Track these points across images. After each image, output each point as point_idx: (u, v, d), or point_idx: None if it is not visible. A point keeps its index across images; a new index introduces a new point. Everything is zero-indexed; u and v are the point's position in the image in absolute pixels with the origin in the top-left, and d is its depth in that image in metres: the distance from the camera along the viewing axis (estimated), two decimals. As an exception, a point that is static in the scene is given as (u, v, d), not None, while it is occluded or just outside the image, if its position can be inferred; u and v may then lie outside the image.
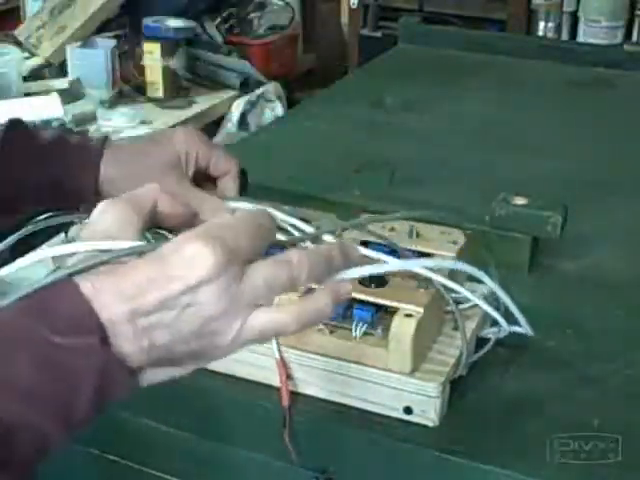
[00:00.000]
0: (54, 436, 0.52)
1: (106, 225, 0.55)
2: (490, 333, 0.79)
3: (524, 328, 0.79)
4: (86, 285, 0.51)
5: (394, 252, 0.78)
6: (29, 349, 0.50)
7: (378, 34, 2.66)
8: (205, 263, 0.52)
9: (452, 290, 0.75)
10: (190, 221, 0.59)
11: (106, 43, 2.47)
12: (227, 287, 0.52)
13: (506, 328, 0.78)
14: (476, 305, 0.77)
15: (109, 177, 0.91)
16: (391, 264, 0.68)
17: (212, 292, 0.52)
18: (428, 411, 0.71)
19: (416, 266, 0.71)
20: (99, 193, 0.91)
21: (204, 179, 0.94)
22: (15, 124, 0.92)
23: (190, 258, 0.52)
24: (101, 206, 0.57)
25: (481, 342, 0.79)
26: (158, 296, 0.51)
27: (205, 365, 0.57)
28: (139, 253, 0.54)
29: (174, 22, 2.51)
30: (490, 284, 0.75)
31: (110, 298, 0.51)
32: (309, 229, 0.72)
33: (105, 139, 0.93)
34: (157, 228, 0.59)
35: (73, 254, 0.54)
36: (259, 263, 0.54)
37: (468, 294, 0.75)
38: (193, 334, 0.53)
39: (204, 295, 0.52)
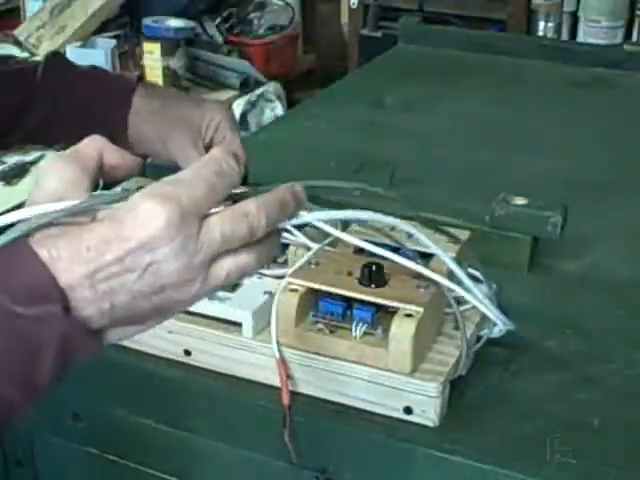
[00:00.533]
0: (19, 403, 0.52)
1: (52, 187, 0.54)
2: (486, 332, 0.79)
3: (501, 322, 0.77)
4: (42, 252, 0.50)
5: (396, 250, 0.78)
6: None
7: (378, 34, 2.65)
8: (158, 223, 0.51)
9: (451, 290, 0.75)
10: (138, 172, 0.59)
11: (106, 43, 2.47)
12: (184, 245, 0.52)
13: (502, 327, 0.77)
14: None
15: (138, 112, 0.93)
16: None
17: (169, 251, 0.52)
18: (428, 411, 0.71)
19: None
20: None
21: None
22: (55, 55, 1.00)
23: (144, 218, 0.51)
24: (45, 167, 0.55)
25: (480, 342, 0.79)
26: (114, 257, 0.51)
27: (170, 318, 0.57)
28: (90, 210, 0.53)
29: (174, 22, 2.51)
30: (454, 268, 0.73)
31: (67, 263, 0.51)
32: None
33: (140, 77, 0.97)
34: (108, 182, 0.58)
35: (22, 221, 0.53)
36: (217, 217, 0.53)
37: (464, 293, 0.75)
38: (154, 293, 0.53)
39: (161, 254, 0.51)
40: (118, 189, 0.57)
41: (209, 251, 0.53)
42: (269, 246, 0.57)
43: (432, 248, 0.71)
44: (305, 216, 0.59)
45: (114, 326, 0.54)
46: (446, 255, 0.71)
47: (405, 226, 0.67)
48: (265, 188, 0.57)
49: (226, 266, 0.54)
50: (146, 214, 0.51)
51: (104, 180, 0.57)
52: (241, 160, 0.58)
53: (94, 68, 1.02)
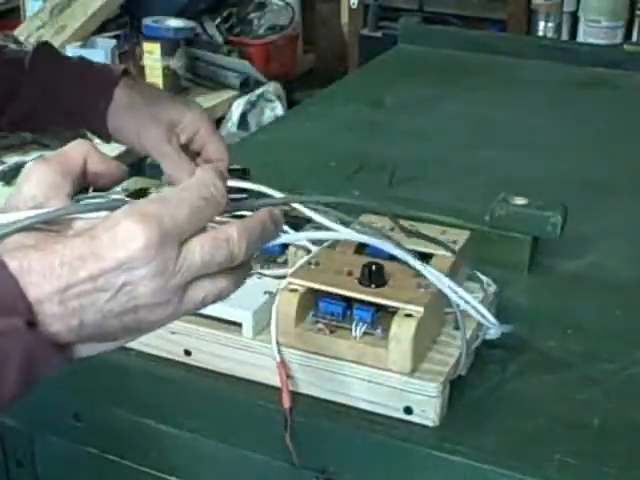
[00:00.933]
0: None
1: (32, 191, 0.53)
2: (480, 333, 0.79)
3: (493, 325, 0.77)
4: (13, 263, 0.49)
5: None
6: None
7: (378, 34, 2.65)
8: (136, 244, 0.50)
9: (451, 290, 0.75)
10: (123, 180, 0.58)
11: (106, 43, 2.47)
12: (161, 268, 0.50)
13: (498, 329, 0.77)
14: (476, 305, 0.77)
15: (118, 104, 0.94)
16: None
17: (146, 273, 0.50)
18: (428, 411, 0.71)
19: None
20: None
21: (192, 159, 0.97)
22: (44, 44, 1.01)
23: (122, 238, 0.50)
24: (26, 171, 0.54)
25: (481, 342, 0.79)
26: (87, 275, 0.50)
27: (140, 337, 0.56)
28: (65, 217, 0.52)
29: (174, 22, 2.51)
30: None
31: (38, 277, 0.49)
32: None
33: (125, 70, 0.98)
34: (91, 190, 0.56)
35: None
36: (197, 241, 0.52)
37: (465, 295, 0.75)
38: (126, 313, 0.51)
39: (137, 276, 0.50)
40: (117, 189, 0.56)
41: (187, 275, 0.52)
42: (246, 269, 0.56)
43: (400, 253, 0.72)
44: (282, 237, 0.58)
45: (83, 342, 0.53)
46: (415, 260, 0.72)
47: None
48: (263, 201, 0.57)
49: (203, 290, 0.53)
50: (125, 233, 0.50)
51: (93, 187, 0.56)
52: (225, 163, 0.56)
53: (82, 59, 1.02)
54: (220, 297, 0.55)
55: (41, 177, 0.53)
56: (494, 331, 0.76)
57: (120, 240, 0.50)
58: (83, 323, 0.51)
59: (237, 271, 0.55)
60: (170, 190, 0.53)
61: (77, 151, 0.56)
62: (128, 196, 0.54)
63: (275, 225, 0.56)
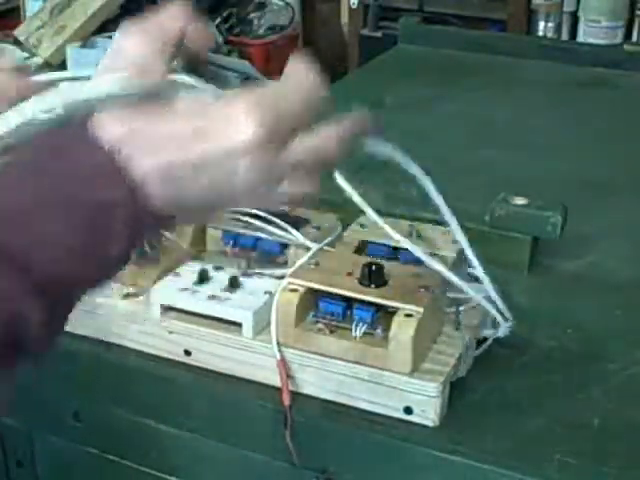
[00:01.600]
0: (94, 282, 0.51)
1: (132, 53, 0.51)
2: (489, 333, 0.79)
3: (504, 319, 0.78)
4: (117, 130, 0.48)
5: (394, 252, 0.78)
6: (67, 209, 0.48)
7: (378, 34, 2.65)
8: (246, 133, 0.48)
9: (454, 287, 0.75)
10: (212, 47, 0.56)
11: (106, 43, 2.47)
12: (264, 164, 0.50)
13: (506, 326, 0.77)
14: (476, 305, 0.77)
15: None
16: None
17: (247, 165, 0.49)
18: (428, 411, 0.71)
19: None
20: None
21: None
22: None
23: (237, 122, 0.49)
24: (122, 30, 0.52)
25: (481, 343, 0.79)
26: (195, 155, 0.49)
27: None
28: (169, 92, 0.50)
29: (174, 22, 2.51)
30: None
31: (145, 148, 0.48)
32: None
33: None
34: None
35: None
36: (303, 141, 0.51)
37: (467, 288, 0.75)
38: (225, 191, 0.51)
39: (239, 165, 0.49)
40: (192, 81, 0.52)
41: (287, 170, 0.51)
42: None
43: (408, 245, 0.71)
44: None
45: (180, 214, 0.52)
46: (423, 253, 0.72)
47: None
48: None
49: (296, 182, 0.52)
50: (240, 117, 0.49)
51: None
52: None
53: None
54: (304, 195, 0.54)
55: (142, 39, 0.51)
56: (504, 328, 0.77)
57: (234, 124, 0.49)
58: (182, 198, 0.50)
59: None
60: (281, 84, 0.52)
61: (175, 19, 0.52)
62: None
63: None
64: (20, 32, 2.58)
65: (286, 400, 0.73)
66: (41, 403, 0.84)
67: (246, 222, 0.84)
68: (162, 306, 0.78)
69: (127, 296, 0.81)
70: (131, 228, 0.49)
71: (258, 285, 0.79)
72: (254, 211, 0.83)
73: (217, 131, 0.49)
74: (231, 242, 0.85)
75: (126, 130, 0.48)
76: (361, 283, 0.73)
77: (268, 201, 0.54)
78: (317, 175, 0.54)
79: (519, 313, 0.79)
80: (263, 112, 0.49)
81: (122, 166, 0.48)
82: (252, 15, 2.79)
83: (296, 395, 0.74)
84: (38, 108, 0.49)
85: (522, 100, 1.52)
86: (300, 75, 0.53)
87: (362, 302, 0.73)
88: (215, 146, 0.49)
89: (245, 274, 0.80)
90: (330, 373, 0.73)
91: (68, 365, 0.80)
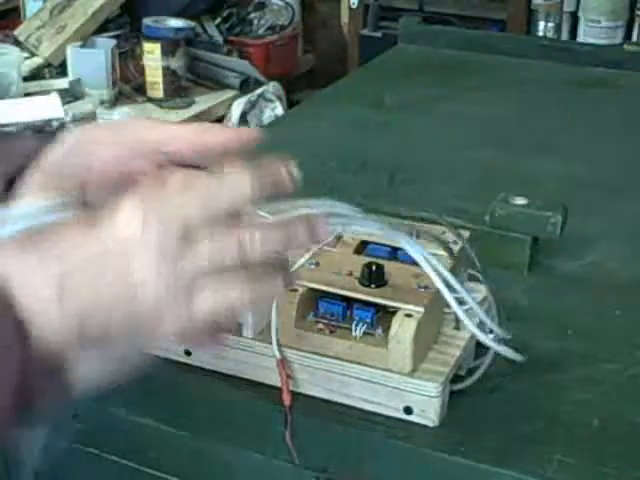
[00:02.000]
0: None
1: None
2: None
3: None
4: (7, 261, 0.46)
5: (394, 252, 0.78)
6: None
7: (378, 34, 2.66)
8: (135, 224, 0.47)
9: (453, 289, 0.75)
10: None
11: (106, 43, 2.47)
12: (164, 253, 0.47)
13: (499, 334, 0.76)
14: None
15: None
16: None
17: (147, 258, 0.47)
18: (428, 411, 0.71)
19: None
20: None
21: None
22: None
23: (122, 219, 0.47)
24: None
25: (481, 343, 0.79)
26: (85, 257, 0.47)
27: (142, 346, 0.52)
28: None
29: (174, 22, 2.51)
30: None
31: (31, 273, 0.46)
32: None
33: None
34: None
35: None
36: (208, 232, 0.48)
37: (465, 294, 0.75)
38: (127, 302, 0.47)
39: (138, 261, 0.46)
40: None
41: (192, 268, 0.47)
42: (267, 280, 0.51)
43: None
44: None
45: (82, 348, 0.49)
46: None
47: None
48: (306, 202, 0.53)
49: (212, 295, 0.48)
50: (125, 214, 0.47)
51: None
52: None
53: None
54: (232, 306, 0.50)
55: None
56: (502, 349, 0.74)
57: (119, 221, 0.47)
58: (82, 315, 0.47)
59: (253, 278, 0.50)
60: (182, 176, 0.49)
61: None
62: None
63: (309, 231, 0.52)
64: (20, 32, 2.59)
65: (286, 400, 0.73)
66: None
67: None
68: (162, 306, 0.78)
69: (127, 296, 0.81)
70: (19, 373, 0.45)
71: (258, 285, 0.79)
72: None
73: (104, 230, 0.47)
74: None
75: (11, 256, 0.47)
76: (361, 283, 0.73)
77: (189, 320, 0.49)
78: (252, 279, 0.50)
79: (519, 313, 0.79)
80: (151, 203, 0.47)
81: (14, 297, 0.45)
82: (252, 15, 2.79)
83: (296, 395, 0.74)
84: None
85: (522, 100, 1.52)
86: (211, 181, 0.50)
87: (362, 302, 0.73)
88: (104, 244, 0.47)
89: (245, 274, 0.80)
90: (330, 373, 0.73)
91: (68, 365, 0.80)
